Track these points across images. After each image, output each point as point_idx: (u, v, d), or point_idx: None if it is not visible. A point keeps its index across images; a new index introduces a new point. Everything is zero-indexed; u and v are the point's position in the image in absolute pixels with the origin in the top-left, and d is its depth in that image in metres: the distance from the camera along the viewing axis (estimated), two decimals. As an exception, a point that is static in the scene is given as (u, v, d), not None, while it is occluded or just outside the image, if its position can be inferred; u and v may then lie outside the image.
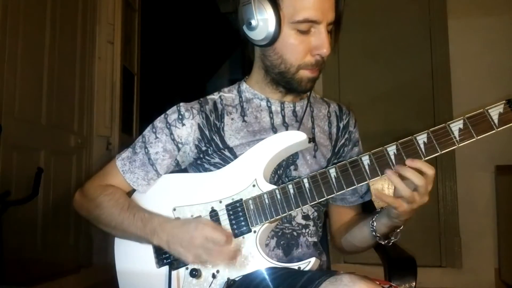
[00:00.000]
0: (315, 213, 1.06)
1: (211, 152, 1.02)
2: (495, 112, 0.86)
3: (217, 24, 4.33)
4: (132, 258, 1.02)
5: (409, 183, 0.86)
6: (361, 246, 1.08)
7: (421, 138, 0.88)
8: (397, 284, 1.01)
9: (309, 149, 1.05)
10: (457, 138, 0.86)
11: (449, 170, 2.89)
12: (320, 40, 0.94)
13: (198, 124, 1.02)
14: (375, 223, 0.97)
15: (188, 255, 0.91)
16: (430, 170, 0.85)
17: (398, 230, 0.98)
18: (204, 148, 1.02)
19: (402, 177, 0.86)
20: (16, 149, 2.22)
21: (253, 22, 0.94)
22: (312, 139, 1.01)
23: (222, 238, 0.89)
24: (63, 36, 2.66)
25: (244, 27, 0.97)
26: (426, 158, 0.87)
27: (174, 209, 0.99)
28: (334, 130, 1.12)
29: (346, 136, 1.13)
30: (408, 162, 0.86)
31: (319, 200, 0.92)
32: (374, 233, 0.98)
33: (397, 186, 0.86)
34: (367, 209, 1.15)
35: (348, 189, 0.91)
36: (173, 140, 1.02)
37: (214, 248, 0.89)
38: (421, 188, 0.85)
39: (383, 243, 0.99)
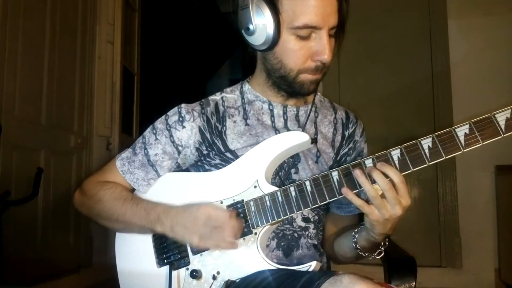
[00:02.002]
0: (316, 216, 1.06)
1: (213, 155, 1.01)
2: (502, 117, 0.83)
3: (217, 24, 4.33)
4: (133, 258, 1.02)
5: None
6: (344, 256, 1.06)
7: (426, 142, 0.86)
8: (397, 284, 1.01)
9: (311, 154, 1.04)
10: (463, 144, 0.84)
11: (449, 170, 2.88)
12: (321, 46, 0.91)
13: (199, 127, 1.01)
14: (357, 234, 0.96)
15: (192, 236, 0.90)
16: (396, 177, 0.83)
17: (381, 248, 0.95)
18: (205, 152, 1.01)
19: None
20: (16, 149, 2.22)
21: (251, 27, 0.91)
22: (314, 140, 1.00)
23: (225, 214, 0.89)
24: (63, 36, 2.66)
25: (243, 31, 0.95)
26: (431, 163, 0.85)
27: (176, 208, 0.99)
28: (338, 137, 1.10)
29: (350, 145, 1.11)
30: (379, 165, 0.85)
31: (321, 204, 0.91)
32: (354, 245, 0.96)
33: (363, 185, 0.84)
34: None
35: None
36: (173, 142, 1.01)
37: (218, 226, 0.89)
38: (387, 193, 0.83)
39: (363, 255, 0.97)
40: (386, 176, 0.84)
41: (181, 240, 0.94)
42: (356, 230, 0.96)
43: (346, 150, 1.11)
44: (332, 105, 1.14)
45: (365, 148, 1.15)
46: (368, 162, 0.88)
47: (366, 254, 0.97)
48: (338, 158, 1.09)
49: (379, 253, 0.96)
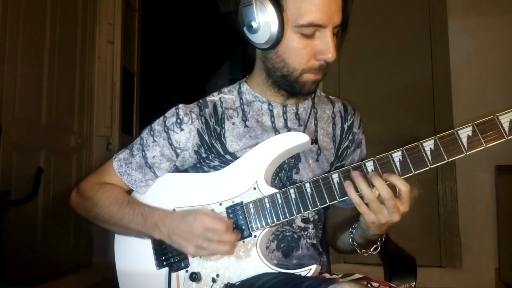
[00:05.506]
0: (316, 216, 1.05)
1: (212, 158, 1.01)
2: (506, 119, 0.82)
3: (217, 24, 4.33)
4: (132, 259, 1.02)
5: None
6: (344, 249, 1.06)
7: (428, 145, 0.84)
8: (397, 284, 1.01)
9: (312, 153, 1.03)
10: (465, 146, 0.83)
11: (449, 170, 2.88)
12: (326, 45, 0.90)
13: (197, 130, 0.99)
14: (354, 230, 0.95)
15: (189, 246, 0.90)
16: (404, 187, 0.82)
17: (377, 244, 0.94)
18: (204, 155, 1.00)
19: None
20: (16, 149, 2.22)
21: (254, 25, 0.89)
22: (314, 141, 0.99)
23: (222, 227, 0.89)
24: (63, 36, 2.66)
25: (245, 29, 0.92)
26: (432, 166, 0.84)
27: (174, 210, 0.98)
28: (338, 132, 1.09)
29: (350, 137, 1.10)
30: (385, 176, 0.83)
31: (321, 206, 0.90)
32: (351, 241, 0.96)
33: (360, 187, 0.83)
34: None
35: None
36: (171, 145, 1.00)
37: (214, 238, 0.89)
38: (388, 202, 0.81)
39: (360, 251, 0.97)
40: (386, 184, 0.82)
41: (178, 248, 0.94)
42: (353, 226, 0.95)
43: (347, 143, 1.10)
44: (329, 99, 1.13)
45: (363, 139, 1.13)
46: (369, 165, 0.87)
47: (363, 251, 0.97)
48: (339, 153, 1.08)
49: (375, 249, 0.96)
